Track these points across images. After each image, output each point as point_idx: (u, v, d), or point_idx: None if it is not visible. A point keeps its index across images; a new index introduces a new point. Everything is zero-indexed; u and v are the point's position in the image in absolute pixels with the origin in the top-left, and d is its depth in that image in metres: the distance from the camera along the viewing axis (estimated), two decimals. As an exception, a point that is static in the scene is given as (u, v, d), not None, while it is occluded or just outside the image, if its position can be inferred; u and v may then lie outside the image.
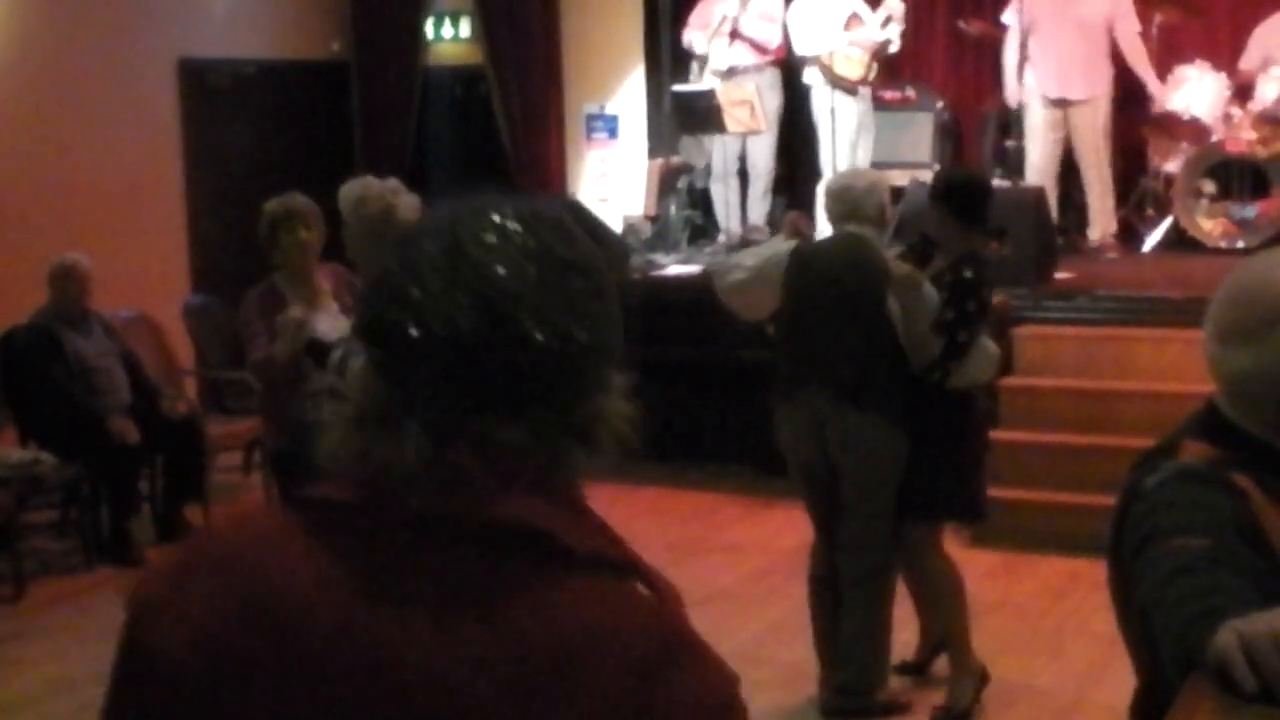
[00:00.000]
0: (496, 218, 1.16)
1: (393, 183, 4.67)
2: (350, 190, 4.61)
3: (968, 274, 4.52)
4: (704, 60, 8.86)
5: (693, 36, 8.92)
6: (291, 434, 4.62)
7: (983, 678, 4.78)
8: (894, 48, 8.58)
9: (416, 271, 1.13)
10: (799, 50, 8.56)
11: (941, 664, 4.96)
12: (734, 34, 8.72)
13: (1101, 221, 8.37)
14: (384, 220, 4.46)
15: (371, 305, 1.16)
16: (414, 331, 1.11)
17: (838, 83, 8.44)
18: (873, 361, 4.60)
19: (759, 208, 9.10)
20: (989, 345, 4.67)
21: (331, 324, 4.77)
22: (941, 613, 4.79)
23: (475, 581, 1.10)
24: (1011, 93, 8.32)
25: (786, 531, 6.97)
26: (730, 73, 8.72)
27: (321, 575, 1.10)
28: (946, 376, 4.49)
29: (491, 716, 1.07)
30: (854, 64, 8.47)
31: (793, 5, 8.63)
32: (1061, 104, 8.17)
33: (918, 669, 5.05)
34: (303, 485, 1.17)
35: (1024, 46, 8.06)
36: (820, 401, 4.63)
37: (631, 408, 1.21)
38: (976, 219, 4.63)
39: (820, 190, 8.69)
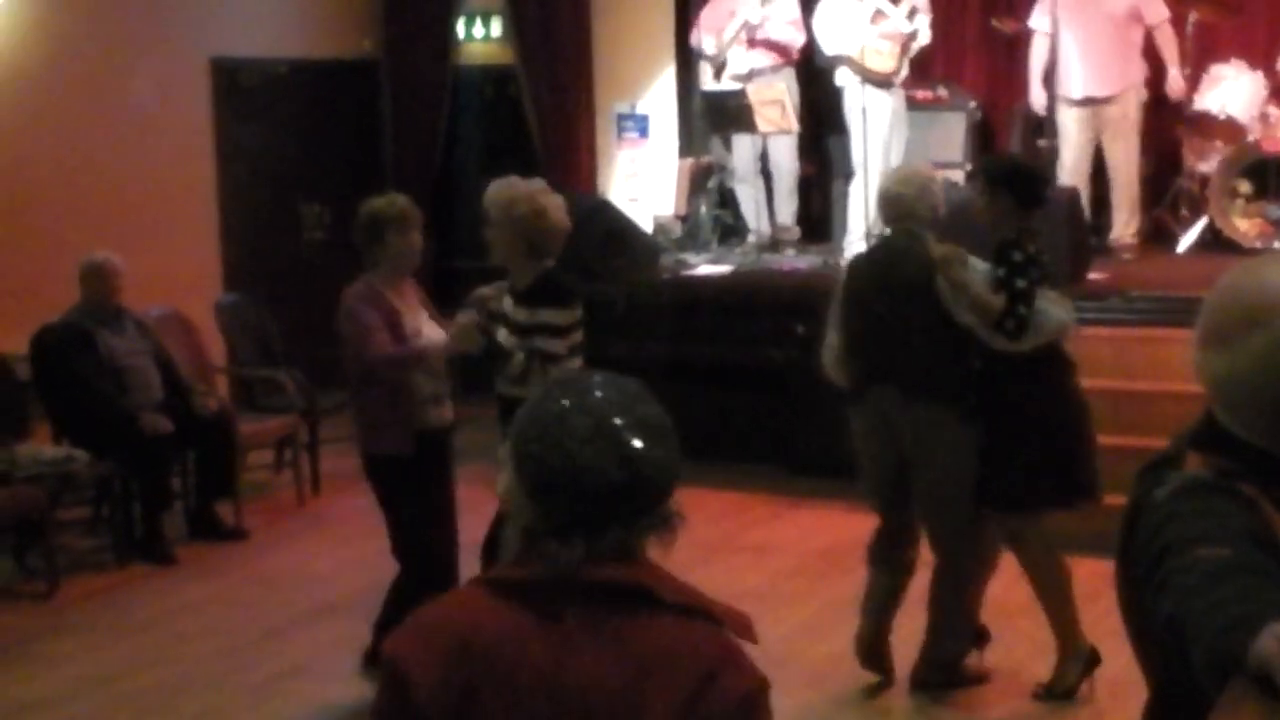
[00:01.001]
0: (617, 398, 1.76)
1: (538, 183, 4.75)
2: (500, 192, 4.66)
3: (1017, 256, 4.66)
4: (717, 61, 8.85)
5: (704, 39, 8.91)
6: (400, 440, 4.70)
7: (1091, 660, 4.87)
8: (923, 39, 8.53)
9: (568, 442, 1.72)
10: (828, 51, 8.54)
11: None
12: (752, 40, 8.72)
13: (1123, 221, 8.32)
14: (535, 221, 4.55)
15: (534, 458, 1.73)
16: (571, 485, 1.72)
17: (870, 77, 8.41)
18: (935, 355, 4.78)
19: (786, 207, 9.09)
20: (1048, 307, 4.72)
21: (431, 329, 4.87)
22: (1047, 599, 4.90)
23: (610, 623, 1.71)
24: (1036, 97, 8.29)
25: (815, 531, 6.96)
26: (749, 76, 8.72)
27: (516, 625, 1.72)
28: (1020, 332, 4.61)
29: (619, 703, 1.68)
30: (885, 57, 8.45)
31: (818, 8, 8.61)
32: (1089, 103, 8.13)
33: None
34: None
35: (1053, 49, 8.03)
36: (888, 400, 4.84)
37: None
38: (1036, 203, 4.83)
39: (852, 190, 8.72)
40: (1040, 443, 4.74)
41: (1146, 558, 1.76)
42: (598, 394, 1.74)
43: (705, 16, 8.98)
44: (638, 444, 1.71)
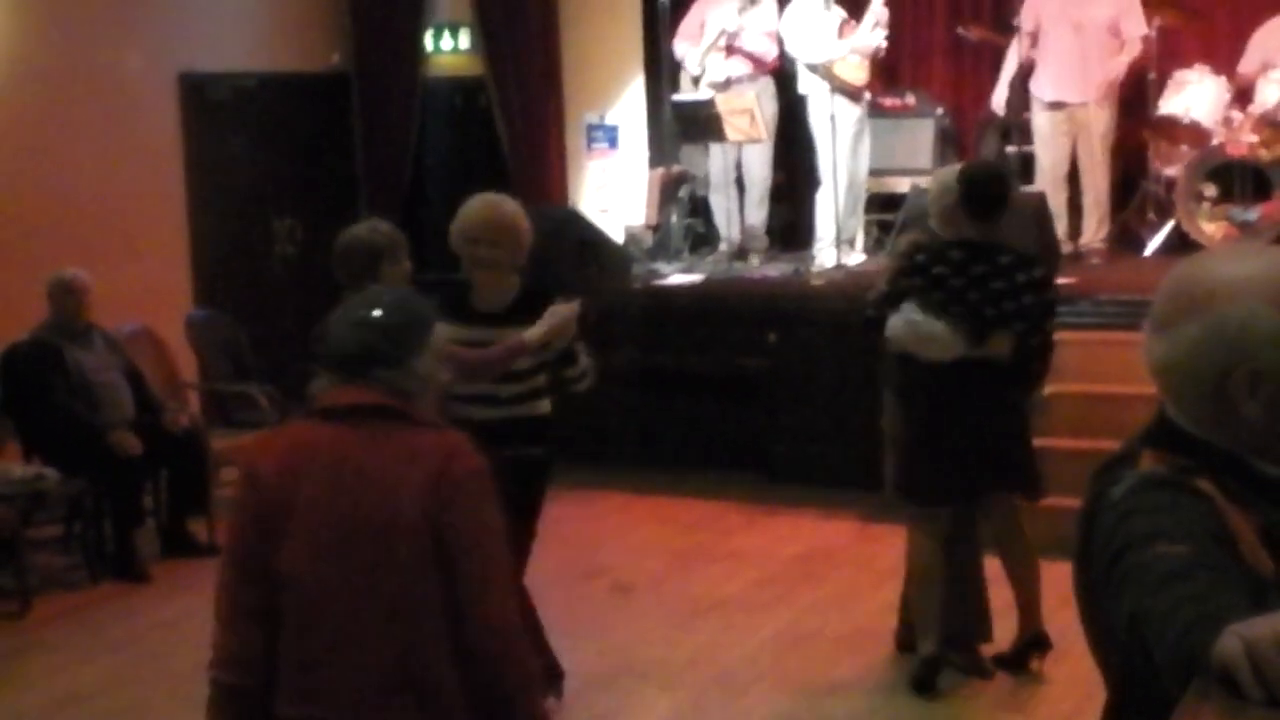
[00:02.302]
0: (373, 305, 2.73)
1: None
2: (498, 210, 4.66)
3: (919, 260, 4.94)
4: (695, 71, 8.90)
5: (685, 50, 8.94)
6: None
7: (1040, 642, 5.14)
8: (882, 51, 8.67)
9: (334, 324, 2.75)
10: (801, 59, 8.58)
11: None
12: (730, 48, 8.76)
13: (1092, 225, 8.39)
14: (527, 240, 4.67)
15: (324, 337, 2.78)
16: (334, 346, 2.75)
17: (843, 88, 8.48)
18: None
19: (756, 215, 9.12)
20: (899, 318, 4.93)
21: None
22: (1032, 578, 5.11)
23: (384, 430, 2.64)
24: (998, 97, 8.36)
25: (790, 539, 6.98)
26: (726, 84, 8.75)
27: (328, 433, 2.67)
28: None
29: (391, 476, 2.60)
30: (856, 69, 8.54)
31: (785, 15, 8.66)
32: (1060, 106, 8.19)
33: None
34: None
35: (1030, 51, 8.10)
36: None
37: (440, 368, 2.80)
38: (979, 211, 4.93)
39: (820, 198, 8.76)
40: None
41: (1104, 557, 1.77)
42: (366, 298, 2.78)
43: (684, 25, 9.02)
44: (375, 317, 2.67)
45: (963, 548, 5.11)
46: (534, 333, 4.44)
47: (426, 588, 2.57)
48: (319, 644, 2.59)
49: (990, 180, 4.99)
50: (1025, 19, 8.25)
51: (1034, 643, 5.12)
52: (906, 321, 4.89)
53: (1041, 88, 8.22)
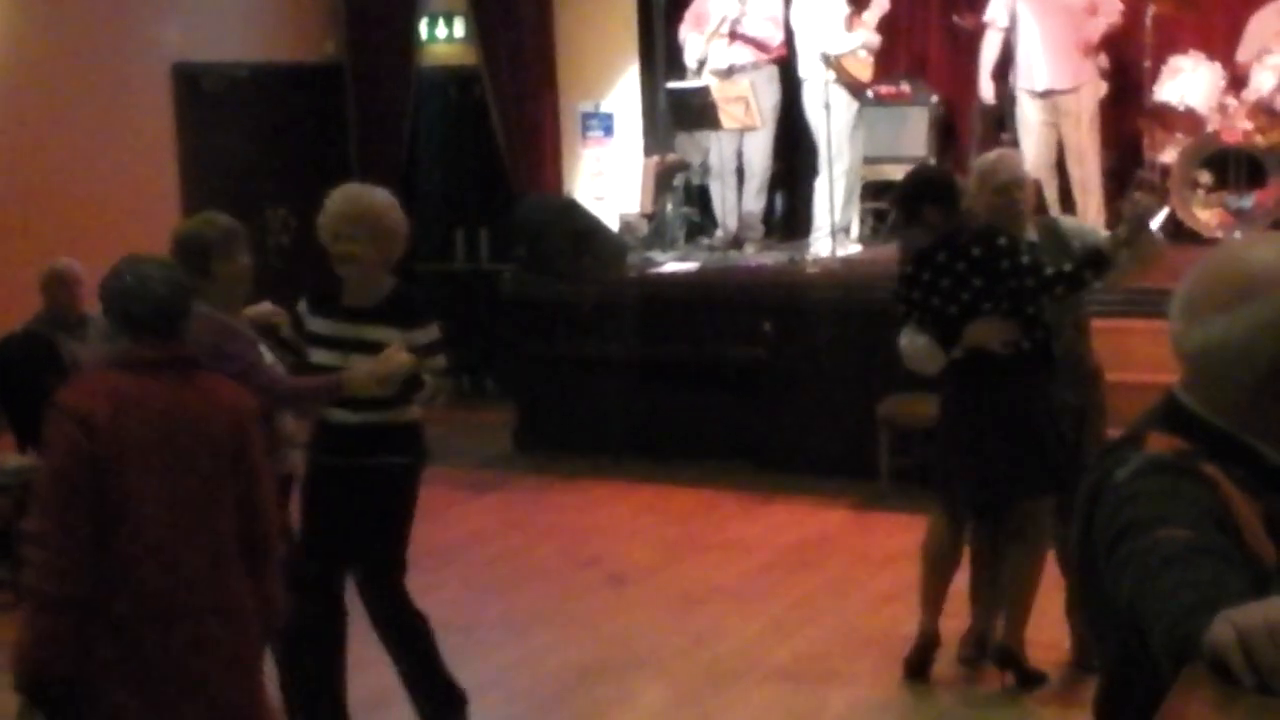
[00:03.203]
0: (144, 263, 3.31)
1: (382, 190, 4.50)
2: (363, 200, 4.32)
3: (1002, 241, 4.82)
4: (699, 58, 8.88)
5: (689, 38, 8.92)
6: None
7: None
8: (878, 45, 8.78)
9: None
10: (812, 49, 8.55)
11: None
12: (734, 34, 8.74)
13: (1090, 214, 8.37)
14: (400, 232, 4.32)
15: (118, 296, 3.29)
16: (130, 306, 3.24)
17: (850, 83, 8.52)
18: None
19: (755, 204, 9.10)
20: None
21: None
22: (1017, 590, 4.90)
23: (188, 376, 3.23)
24: (985, 89, 8.36)
25: (785, 528, 6.98)
26: (729, 71, 8.74)
27: (142, 381, 3.16)
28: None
29: (198, 413, 3.20)
30: (864, 66, 8.60)
31: (794, 6, 8.65)
32: (1049, 95, 8.18)
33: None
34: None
35: (1008, 43, 8.09)
36: None
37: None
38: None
39: (818, 186, 8.75)
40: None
41: (1106, 538, 1.77)
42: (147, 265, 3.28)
43: (689, 13, 9.01)
44: (176, 280, 3.26)
45: (1010, 545, 4.90)
46: (356, 377, 4.08)
47: (226, 497, 3.24)
48: (154, 547, 3.12)
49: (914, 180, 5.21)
50: (997, 11, 8.22)
51: (996, 656, 4.93)
52: (902, 343, 4.95)
53: (1031, 77, 8.19)
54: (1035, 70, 8.16)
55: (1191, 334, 1.86)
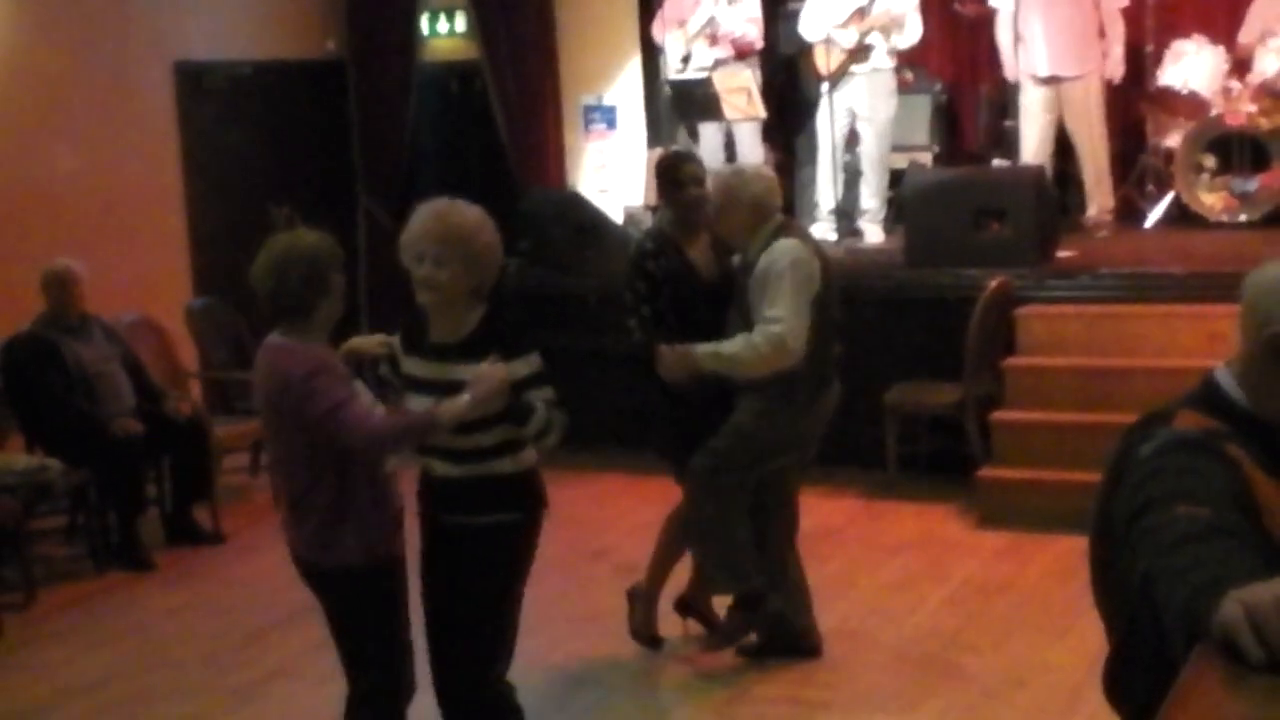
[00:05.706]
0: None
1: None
2: (456, 217, 3.83)
3: None
4: (680, 57, 8.87)
5: (669, 37, 8.91)
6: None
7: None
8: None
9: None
10: (815, 38, 8.52)
11: None
12: (714, 36, 8.73)
13: (1098, 199, 8.37)
14: (496, 256, 3.88)
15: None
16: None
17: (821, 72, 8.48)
18: None
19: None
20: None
21: None
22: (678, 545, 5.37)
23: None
24: (1009, 68, 8.32)
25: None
26: (714, 66, 8.73)
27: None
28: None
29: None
30: (835, 57, 8.53)
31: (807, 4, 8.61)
32: (1053, 82, 8.16)
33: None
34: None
35: (1015, 27, 8.07)
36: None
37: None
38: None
39: (820, 174, 8.73)
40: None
41: (1126, 511, 1.77)
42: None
43: (669, 7, 8.98)
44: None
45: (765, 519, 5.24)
46: (452, 409, 3.62)
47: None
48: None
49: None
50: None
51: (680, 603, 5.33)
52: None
53: (1034, 64, 8.18)
54: (1041, 57, 8.14)
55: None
